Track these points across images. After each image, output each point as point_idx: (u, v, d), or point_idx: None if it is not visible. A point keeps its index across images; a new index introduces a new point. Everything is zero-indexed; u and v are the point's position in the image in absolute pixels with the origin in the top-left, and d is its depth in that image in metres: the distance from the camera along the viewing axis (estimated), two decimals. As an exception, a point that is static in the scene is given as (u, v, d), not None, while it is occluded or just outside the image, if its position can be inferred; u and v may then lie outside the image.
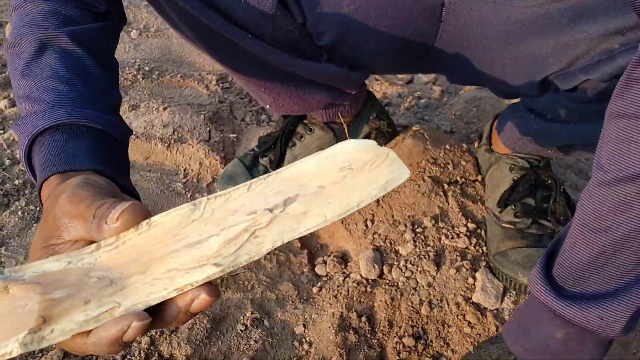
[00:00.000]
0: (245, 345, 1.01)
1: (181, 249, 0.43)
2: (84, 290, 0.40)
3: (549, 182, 1.17)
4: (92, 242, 0.46)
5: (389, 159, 0.47)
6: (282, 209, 0.44)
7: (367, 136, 1.32)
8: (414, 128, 1.39)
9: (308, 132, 1.29)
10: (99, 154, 0.63)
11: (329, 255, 1.19)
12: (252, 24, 0.93)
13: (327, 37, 0.97)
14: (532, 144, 1.12)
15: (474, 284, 1.12)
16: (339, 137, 1.30)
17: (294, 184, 0.45)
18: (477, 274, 1.12)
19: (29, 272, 0.41)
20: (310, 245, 1.23)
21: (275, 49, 1.00)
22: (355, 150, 0.47)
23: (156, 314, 0.44)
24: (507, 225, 1.14)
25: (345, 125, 1.28)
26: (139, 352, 0.96)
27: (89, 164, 0.60)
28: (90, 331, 0.40)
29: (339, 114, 1.27)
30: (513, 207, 1.15)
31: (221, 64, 1.06)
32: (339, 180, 0.46)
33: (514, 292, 1.11)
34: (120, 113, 1.31)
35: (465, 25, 0.91)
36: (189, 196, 1.27)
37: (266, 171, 1.26)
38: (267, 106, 1.18)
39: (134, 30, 1.80)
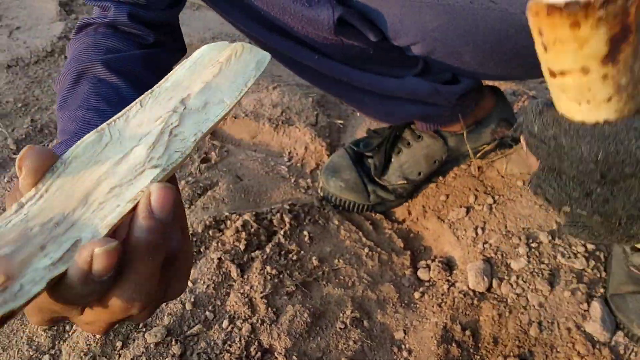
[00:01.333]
0: (344, 344, 0.98)
1: (111, 169, 0.41)
2: (32, 240, 0.37)
3: None
4: None
5: (247, 48, 0.51)
6: (184, 107, 0.46)
7: (485, 145, 1.23)
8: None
9: (416, 140, 1.21)
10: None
11: (433, 260, 1.14)
12: (319, 45, 0.89)
13: (417, 49, 0.91)
14: None
15: (587, 311, 1.04)
16: (449, 145, 1.22)
17: (180, 89, 0.47)
18: (594, 302, 1.05)
19: None
20: (414, 246, 1.18)
21: (348, 66, 0.94)
22: (214, 51, 0.50)
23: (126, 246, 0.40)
24: (635, 270, 1.03)
25: (464, 132, 1.19)
26: (240, 339, 0.95)
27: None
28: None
29: (445, 122, 1.17)
30: None
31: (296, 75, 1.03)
32: (217, 74, 0.49)
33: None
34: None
35: None
36: (292, 180, 1.24)
37: (371, 172, 1.21)
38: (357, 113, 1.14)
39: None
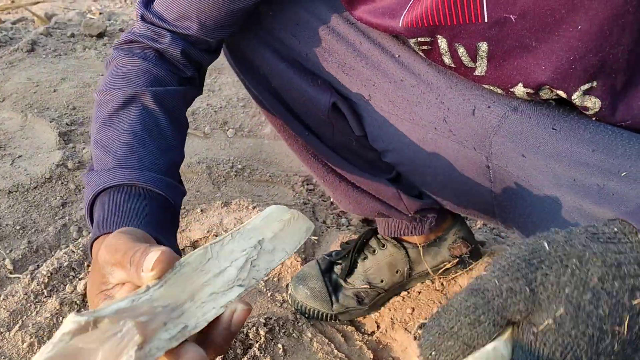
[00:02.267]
0: None
1: (211, 279, 0.55)
2: (157, 316, 0.49)
3: None
4: (135, 284, 0.54)
5: (301, 216, 0.66)
6: (260, 247, 0.60)
7: (445, 263, 1.34)
8: (493, 249, 1.42)
9: (381, 248, 1.32)
10: (151, 216, 0.72)
11: (400, 370, 1.21)
12: (313, 123, 1.02)
13: (390, 157, 1.03)
14: None
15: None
16: (411, 258, 1.32)
17: (257, 232, 0.61)
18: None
19: (106, 311, 0.47)
20: (383, 357, 1.25)
21: (332, 151, 1.07)
22: (280, 211, 0.65)
23: (206, 335, 0.53)
24: None
25: (420, 247, 1.30)
26: None
27: (138, 225, 0.67)
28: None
29: (405, 232, 1.28)
30: None
31: (285, 144, 1.14)
32: (282, 229, 0.63)
33: None
34: (213, 209, 1.42)
35: (513, 185, 0.87)
36: (268, 295, 1.33)
37: (337, 278, 1.31)
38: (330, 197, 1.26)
39: (230, 129, 1.94)
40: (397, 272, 1.32)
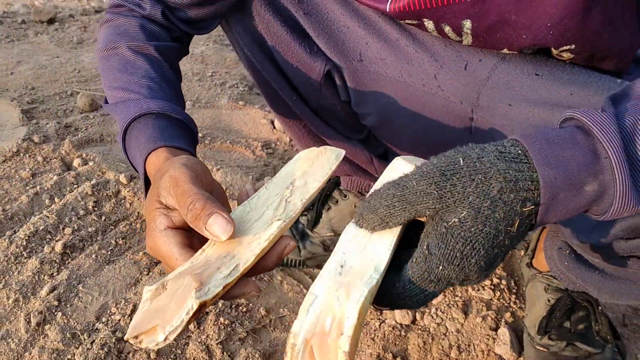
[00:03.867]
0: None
1: (253, 224, 0.65)
2: (212, 265, 0.58)
3: (585, 303, 1.19)
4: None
5: (329, 149, 0.75)
6: (292, 186, 0.69)
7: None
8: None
9: (343, 198, 1.43)
10: (189, 140, 0.85)
11: (365, 303, 1.31)
12: (301, 86, 1.10)
13: (370, 119, 1.12)
14: (569, 281, 1.08)
15: (497, 335, 1.23)
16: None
17: (288, 177, 0.71)
18: (502, 329, 1.23)
19: (170, 276, 0.58)
20: (348, 294, 1.35)
21: (315, 115, 1.16)
22: (308, 153, 0.75)
23: (259, 263, 0.63)
24: (541, 348, 1.18)
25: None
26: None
27: (185, 146, 0.81)
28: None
29: (367, 187, 1.39)
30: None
31: (267, 102, 1.23)
32: (311, 165, 0.73)
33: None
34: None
35: (493, 135, 0.94)
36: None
37: (304, 228, 1.41)
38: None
39: (188, 101, 2.00)
40: None
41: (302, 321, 0.52)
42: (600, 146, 0.54)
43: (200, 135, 1.81)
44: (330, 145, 1.23)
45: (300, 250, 1.39)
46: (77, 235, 1.34)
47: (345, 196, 1.42)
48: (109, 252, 1.32)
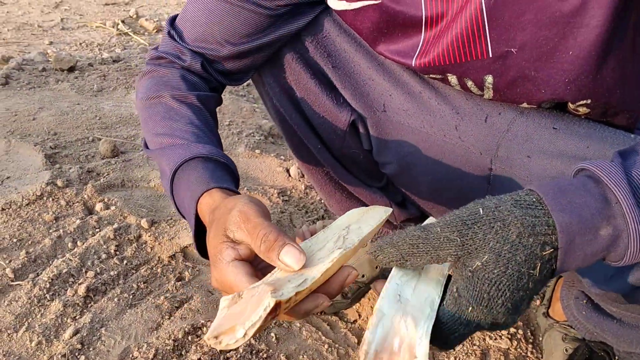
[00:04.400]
0: None
1: (316, 253, 0.70)
2: (283, 279, 0.64)
3: (602, 353, 1.21)
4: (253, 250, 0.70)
5: (376, 206, 0.83)
6: (348, 229, 0.75)
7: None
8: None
9: (362, 246, 1.45)
10: (235, 184, 0.90)
11: (383, 351, 1.32)
12: (326, 135, 1.14)
13: (390, 168, 1.15)
14: (586, 330, 1.10)
15: (516, 383, 1.24)
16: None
17: (342, 224, 0.78)
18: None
19: (244, 288, 0.65)
20: (366, 341, 1.36)
21: (338, 162, 1.20)
22: (358, 210, 0.82)
23: (323, 286, 0.67)
24: None
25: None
26: None
27: (234, 188, 0.85)
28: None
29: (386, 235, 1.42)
30: None
31: (291, 151, 1.27)
32: (362, 216, 0.79)
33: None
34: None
35: (511, 186, 0.97)
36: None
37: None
38: (323, 200, 1.38)
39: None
40: (376, 267, 1.44)
41: (373, 333, 0.57)
42: (610, 192, 0.59)
43: (217, 182, 1.84)
44: (350, 191, 1.26)
45: (319, 297, 1.40)
46: (100, 279, 1.36)
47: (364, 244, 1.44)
48: (131, 296, 1.34)
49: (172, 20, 1.07)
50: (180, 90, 0.99)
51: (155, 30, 3.59)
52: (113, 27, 3.57)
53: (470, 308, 0.59)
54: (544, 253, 0.58)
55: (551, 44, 0.79)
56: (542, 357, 1.30)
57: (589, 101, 0.84)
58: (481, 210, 0.60)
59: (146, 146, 0.99)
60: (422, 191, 1.19)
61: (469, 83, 0.90)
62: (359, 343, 1.34)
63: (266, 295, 0.57)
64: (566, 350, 1.22)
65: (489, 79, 0.87)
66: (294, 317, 0.65)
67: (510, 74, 0.85)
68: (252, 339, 1.26)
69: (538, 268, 0.58)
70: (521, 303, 0.60)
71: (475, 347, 1.29)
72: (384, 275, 1.48)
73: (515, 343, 1.31)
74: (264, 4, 0.98)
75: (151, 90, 1.00)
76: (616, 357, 1.19)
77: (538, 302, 1.43)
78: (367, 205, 1.30)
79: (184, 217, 0.93)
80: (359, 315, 1.43)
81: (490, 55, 0.83)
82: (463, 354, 1.27)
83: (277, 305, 0.57)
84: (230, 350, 1.23)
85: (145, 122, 0.99)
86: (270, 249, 0.65)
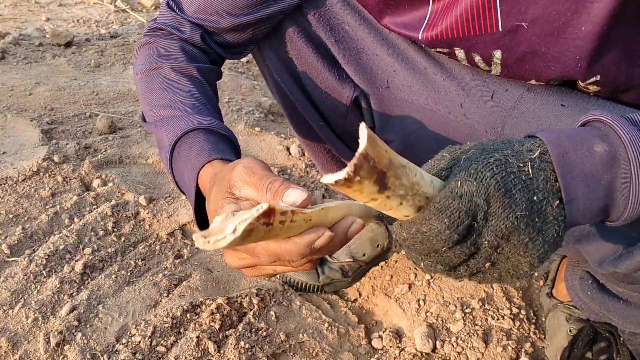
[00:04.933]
0: (312, 404, 1.11)
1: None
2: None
3: (606, 334, 1.19)
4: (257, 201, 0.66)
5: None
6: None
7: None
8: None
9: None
10: (237, 156, 0.86)
11: (384, 331, 1.30)
12: (328, 112, 1.12)
13: (393, 146, 1.12)
14: (591, 311, 1.10)
15: (518, 363, 1.22)
16: (390, 232, 1.43)
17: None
18: (522, 358, 1.23)
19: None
20: (366, 320, 1.35)
21: (340, 140, 1.17)
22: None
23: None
24: None
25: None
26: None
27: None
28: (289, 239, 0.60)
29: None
30: None
31: (293, 128, 1.24)
32: None
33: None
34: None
35: None
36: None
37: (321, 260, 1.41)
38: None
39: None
40: (377, 246, 1.42)
41: None
42: (601, 123, 0.60)
43: (217, 159, 1.82)
44: None
45: (319, 276, 1.38)
46: (97, 256, 1.34)
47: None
48: (129, 273, 1.32)
49: None
50: (180, 62, 0.96)
51: (153, 7, 3.54)
52: (111, 3, 3.52)
53: (467, 183, 0.56)
54: (533, 155, 0.58)
55: (563, 19, 0.76)
56: (545, 338, 1.29)
57: (598, 77, 0.81)
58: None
59: (144, 119, 0.97)
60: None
61: (477, 58, 0.87)
62: (359, 322, 1.33)
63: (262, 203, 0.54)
64: (570, 331, 1.20)
65: (498, 54, 0.84)
66: (294, 251, 0.61)
67: (520, 50, 0.81)
68: (250, 317, 1.25)
69: (529, 166, 0.57)
70: (528, 226, 0.57)
71: (477, 327, 1.27)
72: (380, 256, 1.47)
73: (517, 323, 1.30)
74: None
75: (149, 61, 0.97)
76: (621, 338, 1.17)
77: (541, 282, 1.41)
78: None
79: (182, 191, 0.90)
80: (360, 294, 1.42)
81: (500, 29, 0.80)
82: (465, 334, 1.26)
83: (271, 211, 0.53)
84: (228, 329, 1.21)
85: (143, 95, 0.96)
86: (275, 194, 0.62)
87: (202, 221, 0.85)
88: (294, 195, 0.61)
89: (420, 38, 0.88)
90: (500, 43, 0.82)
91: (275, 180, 0.64)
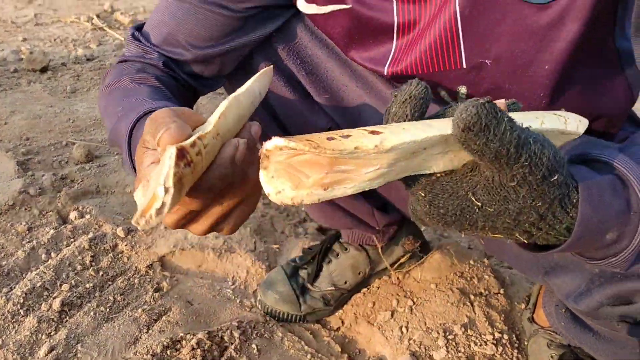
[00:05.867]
0: None
1: None
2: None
3: (587, 359, 1.19)
4: None
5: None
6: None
7: (400, 258, 1.46)
8: (440, 244, 1.54)
9: (344, 251, 1.43)
10: None
11: (368, 359, 1.30)
12: None
13: None
14: (568, 338, 1.10)
15: (501, 389, 1.22)
16: (372, 258, 1.43)
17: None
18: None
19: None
20: (349, 350, 1.34)
21: None
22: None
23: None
24: None
25: (379, 248, 1.42)
26: None
27: None
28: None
29: (368, 241, 1.40)
30: None
31: None
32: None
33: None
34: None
35: None
36: (237, 301, 1.40)
37: (305, 282, 1.40)
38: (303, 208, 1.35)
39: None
40: (359, 273, 1.42)
41: None
42: (635, 199, 0.56)
43: (196, 186, 1.80)
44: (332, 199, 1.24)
45: (301, 306, 1.38)
46: (75, 292, 1.32)
47: (346, 249, 1.42)
48: (108, 309, 1.30)
49: (137, 27, 1.02)
50: (140, 74, 0.94)
51: (130, 24, 3.52)
52: (88, 21, 3.50)
53: None
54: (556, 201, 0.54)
55: (526, 58, 0.77)
56: (527, 363, 1.29)
57: (562, 110, 0.82)
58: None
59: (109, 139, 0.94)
60: (402, 196, 1.18)
61: (442, 93, 0.88)
62: (342, 351, 1.32)
63: (169, 150, 0.51)
64: (552, 357, 1.20)
65: (463, 89, 0.85)
66: (223, 173, 0.57)
67: (484, 86, 0.83)
68: (232, 351, 1.23)
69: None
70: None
71: (460, 354, 1.27)
72: (362, 283, 1.46)
73: (500, 349, 1.30)
74: (229, 6, 0.94)
75: (111, 80, 0.95)
76: None
77: (523, 305, 1.42)
78: (349, 213, 1.29)
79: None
80: (342, 322, 1.41)
81: (465, 66, 0.81)
82: (448, 361, 1.26)
83: (182, 150, 0.51)
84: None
85: (105, 110, 0.93)
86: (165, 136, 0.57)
87: None
88: (178, 128, 0.57)
89: (385, 73, 0.89)
90: (465, 79, 0.83)
91: (167, 125, 0.58)
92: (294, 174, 0.51)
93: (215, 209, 0.62)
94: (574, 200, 0.54)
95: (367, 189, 0.53)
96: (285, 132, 1.11)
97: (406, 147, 0.50)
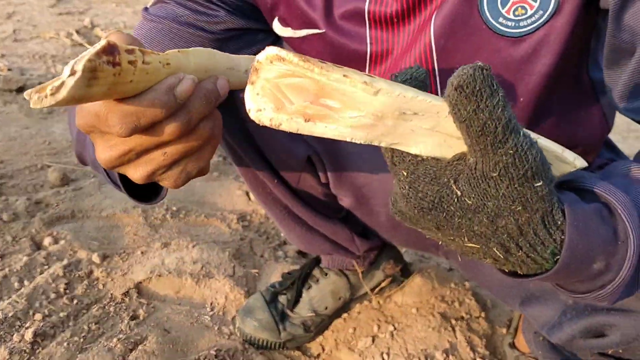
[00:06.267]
0: None
1: None
2: None
3: None
4: None
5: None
6: None
7: (381, 282, 1.44)
8: (421, 267, 1.53)
9: (324, 276, 1.41)
10: None
11: (348, 387, 1.28)
12: (283, 170, 1.11)
13: (346, 201, 1.14)
14: None
15: (484, 416, 1.21)
16: (352, 283, 1.42)
17: None
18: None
19: None
20: (330, 376, 1.32)
21: (296, 197, 1.16)
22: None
23: None
24: None
25: (359, 273, 1.40)
26: None
27: None
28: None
29: (349, 265, 1.39)
30: None
31: (248, 187, 1.21)
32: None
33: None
34: (153, 250, 1.45)
35: None
36: (216, 329, 1.37)
37: (284, 308, 1.38)
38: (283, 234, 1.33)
39: (162, 173, 1.98)
40: (339, 298, 1.41)
41: None
42: (622, 228, 0.55)
43: (174, 208, 1.78)
44: (311, 224, 1.22)
45: (281, 333, 1.35)
46: (48, 322, 1.29)
47: (326, 274, 1.40)
48: (82, 339, 1.27)
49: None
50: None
51: (109, 43, 3.48)
52: (67, 37, 3.46)
53: None
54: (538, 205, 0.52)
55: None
56: (509, 388, 1.28)
57: None
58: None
59: (79, 158, 0.92)
60: (382, 221, 1.17)
61: None
62: (322, 379, 1.30)
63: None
64: None
65: None
66: (155, 93, 0.53)
67: None
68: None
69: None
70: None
71: (441, 380, 1.26)
72: (342, 308, 1.44)
73: (481, 374, 1.29)
74: (207, 28, 0.93)
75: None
76: None
77: (505, 330, 1.41)
78: (329, 238, 1.28)
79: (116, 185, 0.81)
80: (322, 349, 1.39)
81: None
82: (429, 388, 1.24)
83: (112, 46, 0.47)
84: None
85: (71, 123, 0.90)
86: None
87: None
88: (123, 34, 0.55)
89: None
90: None
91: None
92: (278, 97, 0.51)
93: (156, 155, 0.58)
94: (559, 222, 0.53)
95: (348, 140, 0.51)
96: (263, 160, 1.10)
97: (395, 100, 0.49)
